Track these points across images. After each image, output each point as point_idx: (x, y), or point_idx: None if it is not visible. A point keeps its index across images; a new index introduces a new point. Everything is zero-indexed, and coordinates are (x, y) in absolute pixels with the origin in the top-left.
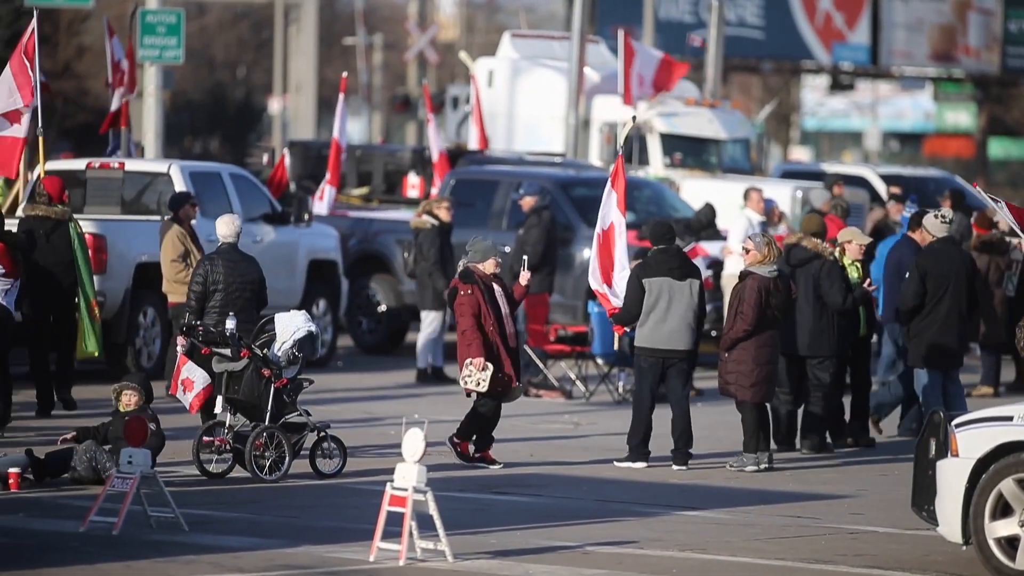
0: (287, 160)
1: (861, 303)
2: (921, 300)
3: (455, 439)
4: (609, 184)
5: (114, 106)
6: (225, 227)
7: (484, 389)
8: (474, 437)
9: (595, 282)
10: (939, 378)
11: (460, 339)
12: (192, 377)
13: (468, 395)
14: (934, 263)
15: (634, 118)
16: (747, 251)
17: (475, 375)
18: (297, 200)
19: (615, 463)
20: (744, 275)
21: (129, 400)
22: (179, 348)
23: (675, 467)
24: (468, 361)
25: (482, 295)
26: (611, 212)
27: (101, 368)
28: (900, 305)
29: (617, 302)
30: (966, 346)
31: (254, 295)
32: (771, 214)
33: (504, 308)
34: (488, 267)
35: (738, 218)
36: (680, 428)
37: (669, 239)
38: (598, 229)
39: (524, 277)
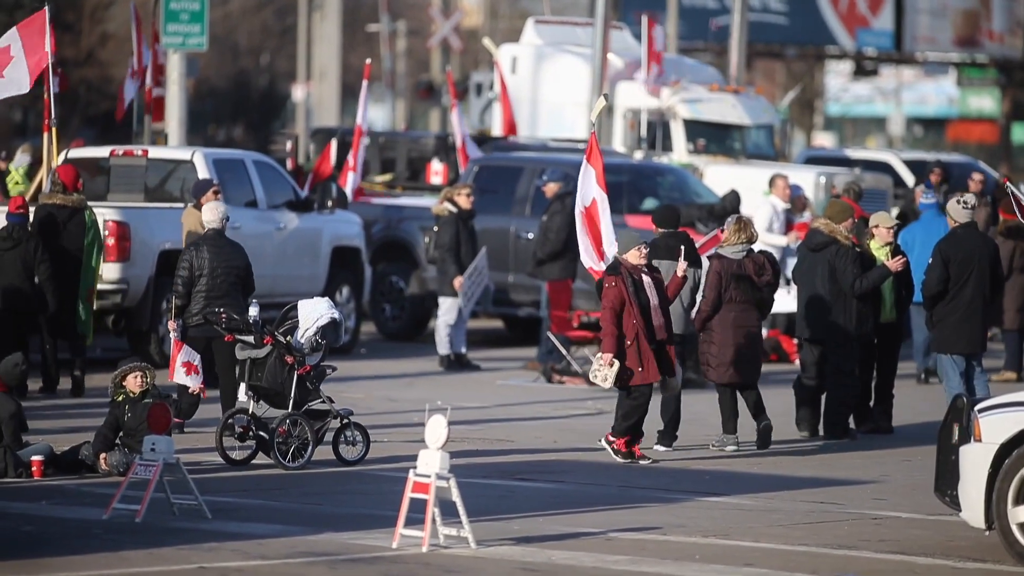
0: (333, 150)
1: (870, 285)
2: (944, 286)
3: (610, 436)
4: (585, 161)
5: (129, 96)
6: (211, 213)
7: (608, 385)
8: (629, 432)
9: (589, 260)
10: (962, 363)
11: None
12: (193, 360)
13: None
14: (957, 249)
15: (606, 96)
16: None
17: (602, 370)
18: (321, 187)
19: (654, 448)
20: (710, 257)
21: (139, 381)
22: (172, 334)
23: (660, 448)
24: (597, 355)
25: (626, 287)
26: (591, 188)
27: (123, 355)
28: (924, 291)
29: None
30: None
31: (239, 280)
32: (796, 201)
33: (653, 299)
34: (631, 257)
35: (762, 204)
36: (671, 410)
37: (675, 224)
38: (579, 207)
39: (681, 268)
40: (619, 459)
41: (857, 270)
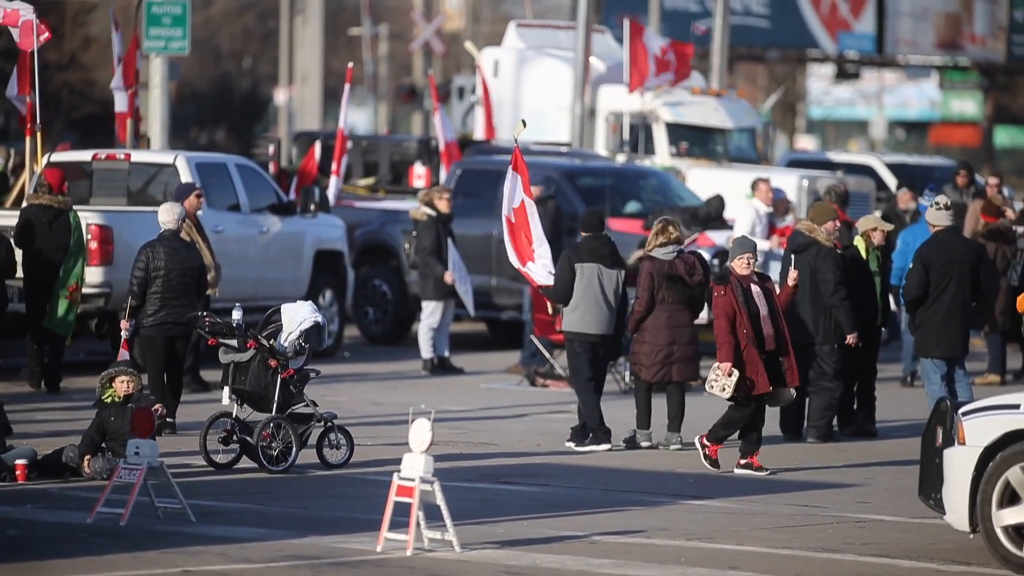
0: (317, 152)
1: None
2: (924, 291)
3: (704, 440)
4: (511, 170)
5: (119, 107)
6: (166, 214)
7: (727, 395)
8: (724, 441)
9: (516, 262)
10: (944, 367)
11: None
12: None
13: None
14: (937, 253)
15: (524, 122)
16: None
17: (720, 380)
18: (304, 191)
19: (572, 447)
20: (641, 259)
21: (126, 386)
22: (123, 333)
23: (600, 448)
24: (715, 366)
25: (735, 296)
26: (518, 193)
27: (107, 359)
28: (904, 295)
29: (541, 278)
30: (970, 335)
31: (194, 281)
32: (779, 205)
33: (763, 309)
34: (738, 267)
35: (745, 208)
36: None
37: (600, 227)
38: (505, 213)
39: (792, 277)
40: (707, 465)
41: (837, 274)
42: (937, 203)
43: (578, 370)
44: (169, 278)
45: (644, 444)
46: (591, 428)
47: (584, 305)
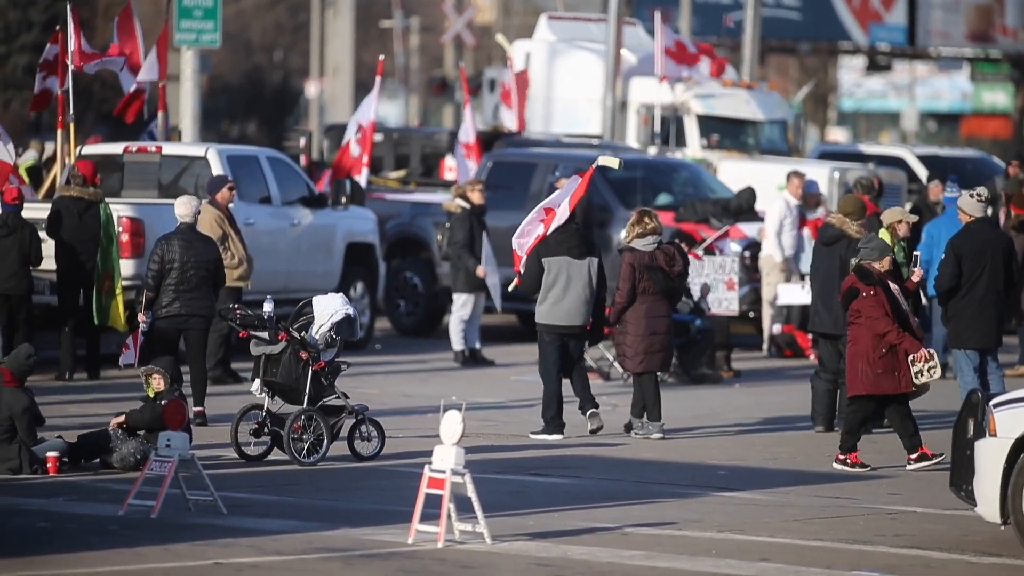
0: (352, 145)
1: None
2: (957, 282)
3: (840, 457)
4: (578, 177)
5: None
6: (183, 207)
7: (939, 375)
8: (857, 444)
9: (520, 247)
10: (976, 358)
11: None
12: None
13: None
14: (969, 244)
15: (622, 162)
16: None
17: (926, 366)
18: (335, 183)
19: (531, 435)
20: (621, 250)
21: (158, 384)
22: (141, 325)
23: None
24: (911, 357)
25: (884, 294)
26: (564, 200)
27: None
28: (936, 287)
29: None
30: (1004, 326)
31: (210, 274)
32: (809, 199)
33: (905, 305)
34: (885, 264)
35: (775, 200)
36: (582, 389)
37: (568, 219)
38: (550, 204)
39: (917, 274)
40: (857, 470)
41: None
42: (978, 195)
43: (545, 360)
44: (184, 271)
45: (655, 436)
46: (546, 417)
47: (552, 297)
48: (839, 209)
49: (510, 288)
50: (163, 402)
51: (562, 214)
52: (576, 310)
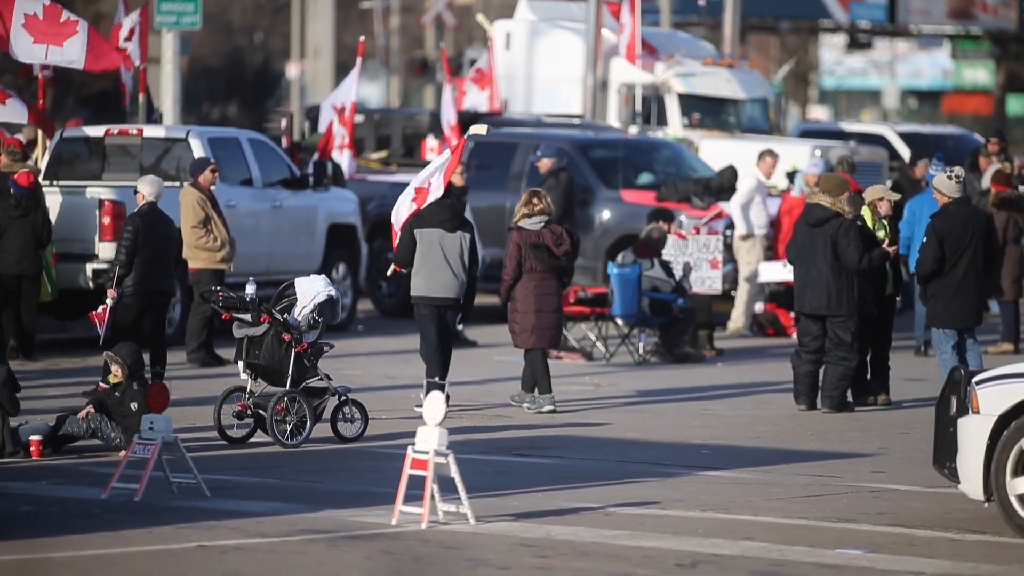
0: (335, 126)
1: (879, 263)
2: (940, 265)
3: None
4: (448, 151)
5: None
6: (148, 186)
7: None
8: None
9: (397, 221)
10: (955, 337)
11: None
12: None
13: None
14: (951, 225)
15: (488, 127)
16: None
17: None
18: (316, 164)
19: (416, 408)
20: (510, 229)
21: (116, 374)
22: (108, 301)
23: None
24: None
25: None
26: (439, 175)
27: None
28: (918, 269)
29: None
30: (984, 305)
31: (172, 251)
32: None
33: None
34: None
35: (746, 176)
36: (443, 361)
37: (444, 194)
38: (420, 184)
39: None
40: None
41: (861, 245)
42: (956, 175)
43: (425, 333)
44: (153, 248)
45: (547, 409)
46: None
47: (425, 269)
48: (821, 187)
49: (388, 273)
50: (135, 386)
51: (436, 189)
52: (451, 282)
